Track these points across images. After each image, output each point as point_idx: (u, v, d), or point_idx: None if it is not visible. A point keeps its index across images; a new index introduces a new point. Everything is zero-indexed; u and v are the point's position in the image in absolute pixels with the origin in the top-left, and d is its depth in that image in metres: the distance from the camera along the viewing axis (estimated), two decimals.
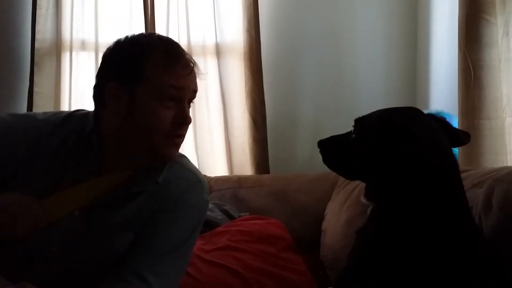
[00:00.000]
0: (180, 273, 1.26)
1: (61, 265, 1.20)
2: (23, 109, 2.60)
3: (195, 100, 1.29)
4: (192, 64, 1.23)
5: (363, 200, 1.30)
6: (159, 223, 1.22)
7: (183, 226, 1.25)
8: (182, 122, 1.21)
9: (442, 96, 2.44)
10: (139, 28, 2.57)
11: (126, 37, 1.25)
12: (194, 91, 1.25)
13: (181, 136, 1.24)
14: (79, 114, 1.30)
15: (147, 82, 1.17)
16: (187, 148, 2.62)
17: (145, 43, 1.22)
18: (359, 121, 1.31)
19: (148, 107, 1.18)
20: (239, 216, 2.08)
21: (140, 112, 1.18)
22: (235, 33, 2.63)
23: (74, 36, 2.62)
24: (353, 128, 1.32)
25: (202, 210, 1.31)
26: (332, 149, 1.34)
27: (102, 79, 1.23)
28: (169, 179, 1.26)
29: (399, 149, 1.19)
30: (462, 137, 1.34)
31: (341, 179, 2.11)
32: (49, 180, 1.21)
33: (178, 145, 1.25)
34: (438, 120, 1.29)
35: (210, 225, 1.95)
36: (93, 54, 2.62)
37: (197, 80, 1.26)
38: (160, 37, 1.27)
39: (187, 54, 1.24)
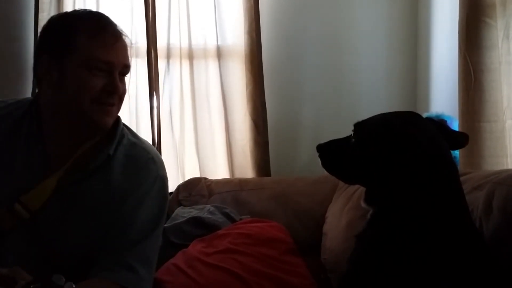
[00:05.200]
0: (157, 252, 1.31)
1: (38, 252, 1.24)
2: None
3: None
4: (120, 35, 1.26)
5: (363, 204, 1.30)
6: (127, 211, 1.25)
7: (149, 209, 1.28)
8: (111, 91, 1.23)
9: (442, 99, 2.44)
10: (140, 31, 2.58)
11: (59, 13, 1.31)
12: (125, 65, 1.27)
13: (113, 105, 1.26)
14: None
15: (76, 52, 1.21)
16: (188, 151, 2.62)
17: (74, 15, 1.27)
18: (358, 125, 1.32)
19: (77, 75, 1.21)
20: (240, 219, 2.08)
21: (70, 82, 1.21)
22: (236, 36, 2.62)
23: None
24: (352, 132, 1.33)
25: (162, 188, 1.33)
26: (331, 153, 1.34)
27: (36, 54, 1.28)
28: (122, 158, 1.29)
29: (398, 153, 1.20)
30: (461, 139, 1.35)
31: (342, 182, 2.11)
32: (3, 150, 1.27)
33: (110, 113, 1.27)
34: (437, 124, 1.29)
35: (211, 228, 1.96)
36: None
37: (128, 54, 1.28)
38: (90, 11, 1.33)
39: (116, 25, 1.27)
